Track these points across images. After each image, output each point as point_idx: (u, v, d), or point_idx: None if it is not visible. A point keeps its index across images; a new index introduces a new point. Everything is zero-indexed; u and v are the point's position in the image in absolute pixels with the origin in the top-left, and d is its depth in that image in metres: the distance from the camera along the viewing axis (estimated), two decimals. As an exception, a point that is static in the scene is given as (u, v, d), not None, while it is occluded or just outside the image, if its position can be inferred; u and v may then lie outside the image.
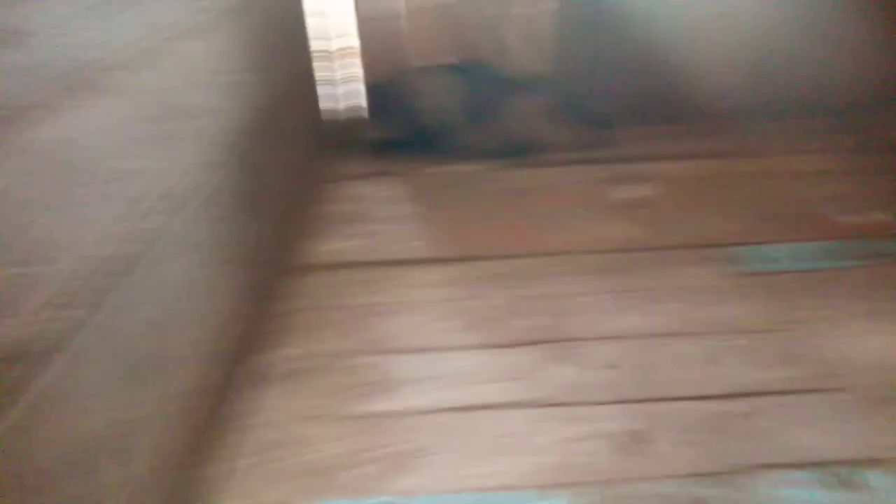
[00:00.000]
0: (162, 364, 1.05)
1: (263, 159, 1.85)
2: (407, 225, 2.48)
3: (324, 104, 3.21)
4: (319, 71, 3.12)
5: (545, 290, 1.99)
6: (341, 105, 3.33)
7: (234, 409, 1.48)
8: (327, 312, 1.92)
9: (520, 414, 1.50)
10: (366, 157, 3.16)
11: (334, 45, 3.21)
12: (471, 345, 1.75)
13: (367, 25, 3.22)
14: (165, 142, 1.16)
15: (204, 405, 1.29)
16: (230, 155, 1.52)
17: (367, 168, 3.04)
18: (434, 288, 2.04)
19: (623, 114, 3.41)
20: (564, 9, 3.13)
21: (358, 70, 3.31)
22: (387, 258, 2.23)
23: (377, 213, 2.60)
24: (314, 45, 3.08)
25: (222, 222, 1.43)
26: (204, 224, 1.32)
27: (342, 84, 3.32)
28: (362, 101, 3.34)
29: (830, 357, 1.65)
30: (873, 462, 1.35)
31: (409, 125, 3.15)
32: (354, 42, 3.24)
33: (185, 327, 1.18)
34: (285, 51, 2.19)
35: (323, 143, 3.21)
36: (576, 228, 2.38)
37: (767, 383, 1.56)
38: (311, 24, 2.94)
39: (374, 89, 3.25)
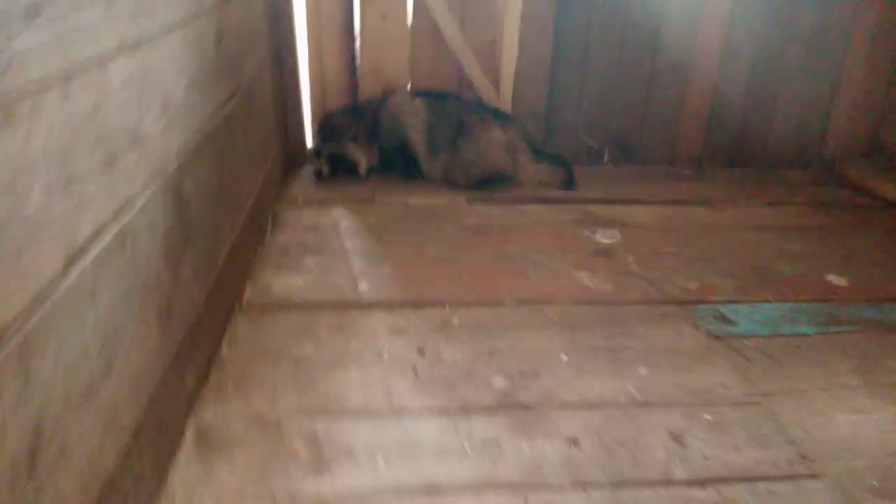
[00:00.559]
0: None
1: (209, 186, 1.65)
2: (357, 261, 2.31)
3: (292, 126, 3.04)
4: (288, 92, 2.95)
5: (503, 344, 1.85)
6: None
7: (139, 494, 1.22)
8: (259, 365, 1.71)
9: (469, 500, 1.34)
10: (322, 184, 2.98)
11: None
12: (418, 409, 1.59)
13: (319, 48, 3.06)
14: (97, 173, 0.98)
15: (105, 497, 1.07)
16: (168, 183, 1.32)
17: (325, 194, 2.85)
18: (382, 338, 1.87)
19: (590, 153, 3.35)
20: (537, 37, 3.05)
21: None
22: (331, 299, 2.05)
23: (327, 245, 2.42)
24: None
25: (151, 262, 1.24)
26: (132, 265, 1.13)
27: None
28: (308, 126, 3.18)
29: (798, 438, 1.56)
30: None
31: (368, 153, 3.00)
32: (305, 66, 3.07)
33: (92, 385, 0.98)
34: (242, 66, 2.01)
35: (285, 166, 3.01)
36: (537, 276, 2.25)
37: (737, 468, 1.45)
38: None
39: (325, 115, 3.09)
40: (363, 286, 2.13)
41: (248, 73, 2.22)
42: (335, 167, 3.01)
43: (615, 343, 1.89)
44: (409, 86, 3.22)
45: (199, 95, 1.61)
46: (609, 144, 3.39)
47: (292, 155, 3.17)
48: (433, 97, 3.00)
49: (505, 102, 3.24)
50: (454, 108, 2.94)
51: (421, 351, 1.81)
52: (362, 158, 2.98)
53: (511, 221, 2.70)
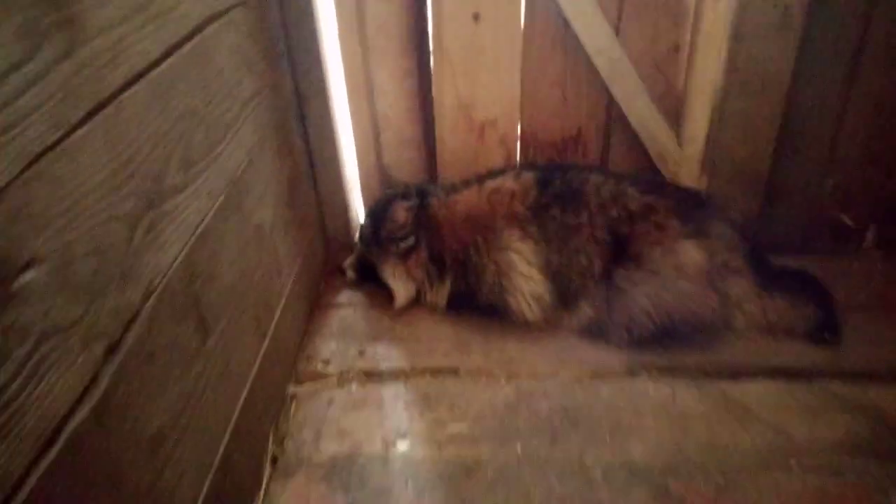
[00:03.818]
0: None
1: None
2: None
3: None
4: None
5: None
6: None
7: None
8: None
9: None
10: (367, 317, 1.76)
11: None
12: None
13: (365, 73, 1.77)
14: None
15: None
16: None
17: (370, 353, 1.63)
18: None
19: (840, 233, 1.88)
20: (766, 40, 1.61)
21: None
22: None
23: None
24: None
25: None
26: None
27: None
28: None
29: None
30: None
31: (418, 283, 1.74)
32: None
33: None
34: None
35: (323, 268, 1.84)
36: None
37: None
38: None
39: (381, 197, 1.83)
40: None
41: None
42: (365, 273, 1.79)
43: None
44: (517, 141, 1.87)
45: None
46: (875, 220, 1.91)
47: (332, 251, 1.96)
48: (547, 185, 1.64)
49: (691, 155, 1.82)
50: (595, 203, 1.57)
51: None
52: (401, 289, 1.72)
53: (718, 436, 1.37)
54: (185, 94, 1.06)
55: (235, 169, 1.26)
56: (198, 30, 1.11)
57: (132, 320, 0.90)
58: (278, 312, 1.49)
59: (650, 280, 1.51)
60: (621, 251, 1.54)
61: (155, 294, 0.95)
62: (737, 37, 1.62)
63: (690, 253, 1.52)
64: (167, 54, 1.00)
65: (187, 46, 1.07)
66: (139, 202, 0.91)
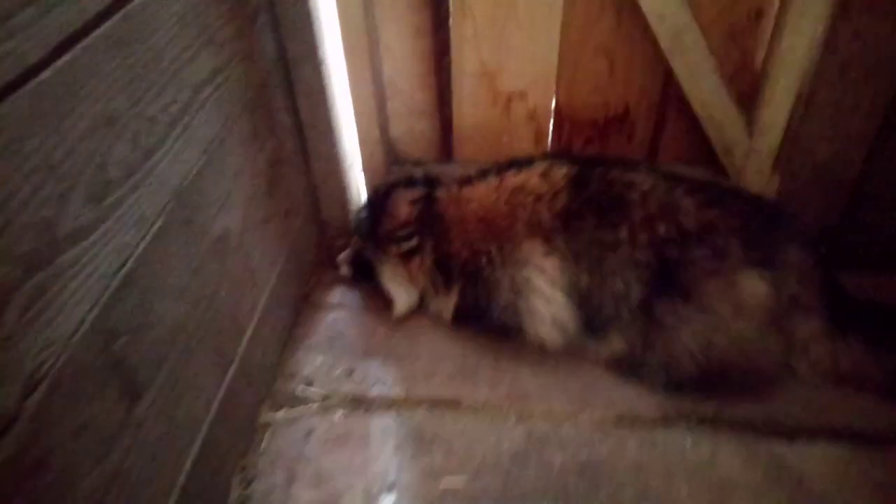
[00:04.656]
0: None
1: None
2: None
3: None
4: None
5: None
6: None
7: None
8: None
9: None
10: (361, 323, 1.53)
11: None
12: None
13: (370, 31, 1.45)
14: None
15: None
16: None
17: (359, 373, 1.40)
18: None
19: None
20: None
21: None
22: None
23: None
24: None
25: None
26: None
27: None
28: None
29: None
30: None
31: (420, 289, 1.49)
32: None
33: None
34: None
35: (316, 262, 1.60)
36: None
37: None
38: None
39: (382, 185, 1.55)
40: None
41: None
42: (363, 270, 1.53)
43: None
44: (550, 119, 1.55)
45: None
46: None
47: (327, 237, 1.70)
48: (582, 186, 1.32)
49: (763, 149, 1.49)
50: (640, 215, 1.26)
51: None
52: (402, 296, 1.47)
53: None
54: (96, 99, 0.78)
55: (184, 176, 0.99)
56: (117, 5, 0.82)
57: (5, 429, 0.67)
58: (250, 330, 1.26)
59: (700, 318, 1.23)
60: (667, 278, 1.25)
61: (44, 383, 0.71)
62: (842, 8, 1.25)
63: (753, 287, 1.22)
64: (59, 52, 0.72)
65: (97, 33, 0.78)
66: (13, 270, 0.66)
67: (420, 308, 1.51)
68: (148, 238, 0.90)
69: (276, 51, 1.33)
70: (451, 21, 1.47)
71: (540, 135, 1.61)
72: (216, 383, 1.14)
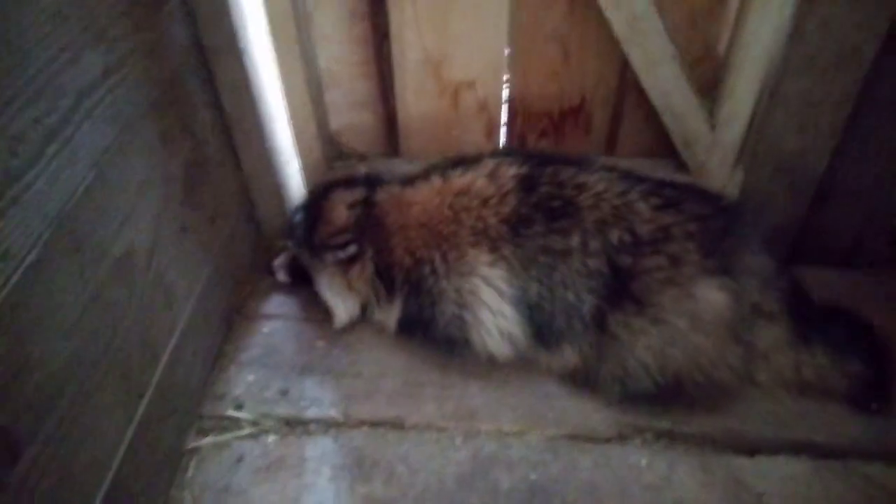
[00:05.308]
0: None
1: None
2: None
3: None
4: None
5: None
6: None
7: None
8: None
9: None
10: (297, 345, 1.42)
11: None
12: None
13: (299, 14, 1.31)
14: None
15: None
16: None
17: (295, 393, 1.29)
18: None
19: None
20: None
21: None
22: None
23: None
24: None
25: None
26: None
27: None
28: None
29: None
30: None
31: (362, 301, 1.38)
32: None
33: None
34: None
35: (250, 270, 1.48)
36: None
37: None
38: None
39: (319, 183, 1.43)
40: None
41: None
42: (301, 275, 1.42)
43: None
44: (502, 109, 1.43)
45: None
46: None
47: (265, 238, 1.58)
48: (532, 188, 1.22)
49: (725, 142, 1.40)
50: (592, 220, 1.16)
51: None
52: (341, 308, 1.36)
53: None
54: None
55: (67, 197, 0.87)
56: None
57: None
58: (167, 354, 1.15)
59: (655, 330, 1.15)
60: (621, 288, 1.16)
61: None
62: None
63: (711, 297, 1.14)
64: None
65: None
66: None
67: (364, 314, 1.41)
68: (17, 275, 0.77)
69: (189, 40, 1.19)
70: (388, 4, 1.34)
71: (491, 127, 1.50)
72: (126, 418, 1.03)
